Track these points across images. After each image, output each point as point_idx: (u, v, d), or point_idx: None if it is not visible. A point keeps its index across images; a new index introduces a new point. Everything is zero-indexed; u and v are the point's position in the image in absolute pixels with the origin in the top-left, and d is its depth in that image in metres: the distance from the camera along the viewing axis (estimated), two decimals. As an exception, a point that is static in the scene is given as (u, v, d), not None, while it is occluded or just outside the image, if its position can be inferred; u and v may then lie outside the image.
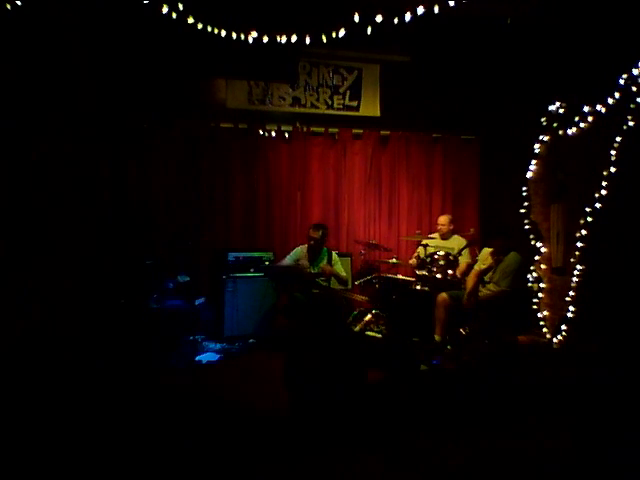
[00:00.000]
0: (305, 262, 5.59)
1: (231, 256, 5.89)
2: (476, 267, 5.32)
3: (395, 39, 5.47)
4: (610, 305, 4.97)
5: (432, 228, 6.64)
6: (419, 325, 5.50)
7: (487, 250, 5.41)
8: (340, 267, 5.65)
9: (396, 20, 4.39)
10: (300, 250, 5.69)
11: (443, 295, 5.34)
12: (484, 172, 7.23)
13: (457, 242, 5.86)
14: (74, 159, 4.75)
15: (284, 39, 4.57)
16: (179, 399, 4.05)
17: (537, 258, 6.01)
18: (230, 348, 5.54)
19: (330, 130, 6.80)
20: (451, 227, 6.05)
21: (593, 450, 3.31)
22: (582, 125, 5.47)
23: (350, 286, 6.19)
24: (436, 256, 5.49)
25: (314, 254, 5.61)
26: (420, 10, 4.34)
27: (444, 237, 6.01)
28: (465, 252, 5.61)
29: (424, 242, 5.69)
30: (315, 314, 5.33)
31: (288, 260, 5.67)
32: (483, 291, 5.24)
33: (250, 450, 3.25)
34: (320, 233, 5.54)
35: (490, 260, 5.27)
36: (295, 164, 6.68)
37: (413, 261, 5.95)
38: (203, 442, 3.33)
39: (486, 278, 5.28)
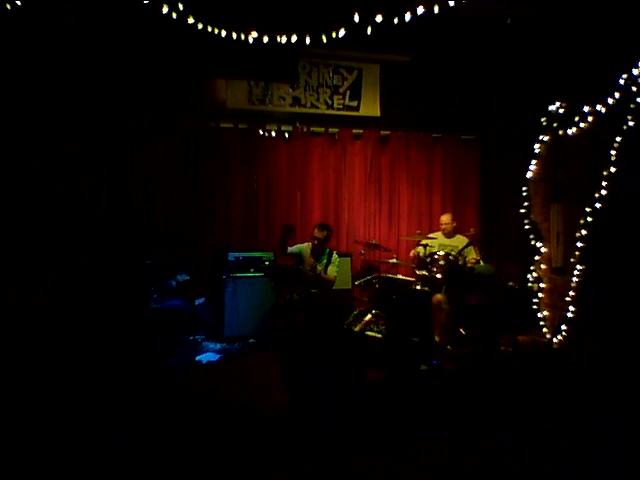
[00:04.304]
0: (310, 260, 5.58)
1: (231, 256, 5.88)
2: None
3: (395, 39, 5.46)
4: (610, 305, 4.97)
5: (432, 228, 6.64)
6: (419, 325, 5.50)
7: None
8: (334, 268, 5.62)
9: (396, 20, 4.38)
10: (305, 247, 5.69)
11: (438, 296, 5.36)
12: (484, 172, 7.23)
13: (461, 241, 5.86)
14: (74, 159, 4.75)
15: (284, 39, 4.56)
16: (179, 399, 4.05)
17: (537, 258, 6.01)
18: (230, 348, 5.54)
19: (330, 130, 6.80)
20: (454, 225, 6.01)
21: (592, 450, 3.31)
22: (582, 125, 5.47)
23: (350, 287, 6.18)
24: (436, 256, 5.49)
25: (317, 253, 5.62)
26: (420, 10, 4.33)
27: (448, 236, 5.99)
28: (470, 249, 5.62)
29: (423, 242, 5.68)
30: (314, 314, 5.33)
31: (295, 249, 5.67)
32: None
33: (250, 450, 3.25)
34: (325, 233, 5.55)
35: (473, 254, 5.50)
36: (295, 164, 6.68)
37: (414, 252, 5.92)
38: (203, 442, 3.33)
39: None
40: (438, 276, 5.40)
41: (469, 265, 5.42)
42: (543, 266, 5.94)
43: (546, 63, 5.85)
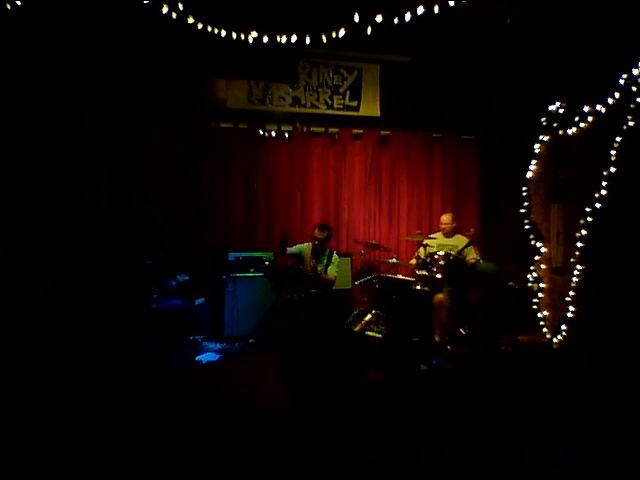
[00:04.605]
0: (311, 260, 5.58)
1: (231, 256, 5.88)
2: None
3: (395, 39, 5.47)
4: (610, 305, 4.98)
5: (432, 228, 6.64)
6: (419, 325, 5.50)
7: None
8: (334, 268, 5.63)
9: (396, 20, 4.39)
10: (305, 247, 5.70)
11: (439, 296, 5.35)
12: (484, 172, 7.23)
13: (460, 241, 5.85)
14: (74, 159, 4.75)
15: (284, 39, 4.56)
16: (179, 399, 4.05)
17: (537, 258, 6.01)
18: (230, 348, 5.54)
19: (330, 130, 6.80)
20: (454, 225, 6.00)
21: (592, 449, 3.31)
22: (582, 125, 5.47)
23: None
24: (436, 256, 5.48)
25: (317, 254, 5.62)
26: (420, 10, 4.33)
27: (447, 235, 5.98)
28: (470, 249, 5.62)
29: (425, 242, 5.68)
30: (314, 314, 5.33)
31: (295, 249, 5.69)
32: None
33: (250, 450, 3.25)
34: (325, 234, 5.57)
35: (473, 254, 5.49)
36: (295, 164, 6.68)
37: (413, 261, 5.92)
38: (203, 442, 3.33)
39: None
40: (438, 276, 5.40)
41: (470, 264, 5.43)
42: (543, 266, 5.94)
43: (546, 63, 5.86)
